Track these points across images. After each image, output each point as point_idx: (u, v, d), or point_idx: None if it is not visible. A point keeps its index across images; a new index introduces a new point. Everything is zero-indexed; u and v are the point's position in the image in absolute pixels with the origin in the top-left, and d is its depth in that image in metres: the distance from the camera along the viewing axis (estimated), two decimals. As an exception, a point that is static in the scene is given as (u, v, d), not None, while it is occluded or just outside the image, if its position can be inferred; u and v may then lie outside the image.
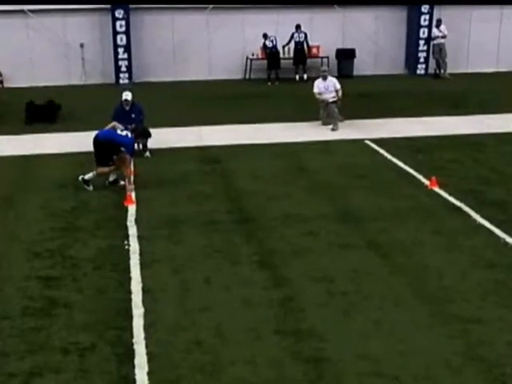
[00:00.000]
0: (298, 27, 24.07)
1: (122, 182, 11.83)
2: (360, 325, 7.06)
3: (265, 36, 23.91)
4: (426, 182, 11.89)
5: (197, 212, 10.59)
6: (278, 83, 23.76)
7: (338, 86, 16.84)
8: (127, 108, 14.15)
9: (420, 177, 12.28)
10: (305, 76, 24.21)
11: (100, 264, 8.64)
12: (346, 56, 25.25)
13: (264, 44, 24.03)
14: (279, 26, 24.23)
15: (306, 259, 8.75)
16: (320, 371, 6.20)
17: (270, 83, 23.87)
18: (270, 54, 24.04)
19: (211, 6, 24.05)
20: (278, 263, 8.63)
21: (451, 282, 8.06)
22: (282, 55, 24.36)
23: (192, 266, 8.59)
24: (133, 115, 14.02)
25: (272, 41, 23.93)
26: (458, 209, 10.64)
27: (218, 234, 9.63)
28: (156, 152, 14.16)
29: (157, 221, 10.20)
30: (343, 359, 6.40)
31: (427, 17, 25.57)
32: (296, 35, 24.14)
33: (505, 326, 6.99)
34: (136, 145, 14.37)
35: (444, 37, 25.25)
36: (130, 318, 7.22)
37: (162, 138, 14.86)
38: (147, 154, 14.03)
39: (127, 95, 14.35)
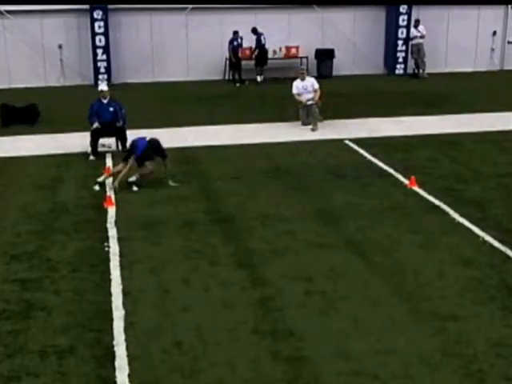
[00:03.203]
0: (255, 30, 24.03)
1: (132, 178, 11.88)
2: (339, 324, 7.08)
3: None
4: (405, 181, 11.95)
5: (175, 213, 10.57)
6: (239, 84, 23.84)
7: (317, 86, 16.89)
8: (105, 101, 14.14)
9: (399, 176, 12.34)
10: (259, 78, 24.30)
11: (79, 266, 8.59)
12: (325, 56, 25.34)
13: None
14: (259, 27, 24.18)
15: (285, 259, 8.76)
16: (299, 371, 6.21)
17: (238, 84, 23.89)
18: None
19: (190, 6, 24.04)
20: (257, 263, 8.64)
21: (429, 279, 8.10)
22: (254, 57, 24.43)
23: (171, 267, 8.57)
24: (111, 108, 14.02)
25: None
26: (437, 207, 10.70)
27: (197, 235, 9.62)
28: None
29: (136, 222, 10.17)
30: (322, 358, 6.41)
31: (405, 17, 25.73)
32: (262, 38, 24.11)
33: (482, 323, 7.04)
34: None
35: (422, 37, 25.43)
36: (110, 320, 7.19)
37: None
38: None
39: (103, 86, 14.42)
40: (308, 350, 6.56)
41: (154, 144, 12.09)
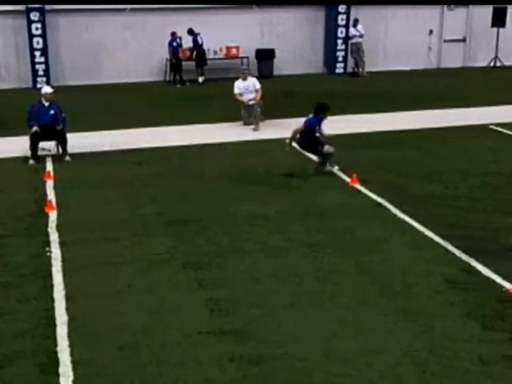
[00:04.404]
0: (191, 31, 23.98)
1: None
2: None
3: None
4: (347, 179, 12.07)
5: (118, 216, 10.48)
6: (180, 85, 23.80)
7: (258, 86, 16.94)
8: (46, 104, 13.93)
9: (340, 174, 12.45)
10: (200, 79, 24.29)
11: (21, 272, 8.44)
12: (265, 56, 25.42)
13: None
14: (199, 27, 24.12)
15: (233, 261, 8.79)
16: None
17: (179, 85, 23.82)
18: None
19: (129, 7, 23.83)
20: (206, 265, 8.61)
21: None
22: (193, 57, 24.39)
23: (114, 270, 8.50)
24: (51, 111, 13.81)
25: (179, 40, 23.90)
26: (379, 204, 10.84)
27: (143, 237, 9.55)
28: (77, 156, 13.95)
29: (78, 226, 10.04)
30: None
31: (344, 16, 25.98)
32: (198, 38, 24.09)
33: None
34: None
35: (361, 36, 25.74)
36: (54, 326, 7.09)
37: (82, 141, 14.68)
38: (67, 157, 13.81)
39: (47, 88, 14.25)
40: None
41: None
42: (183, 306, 7.51)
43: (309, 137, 12.58)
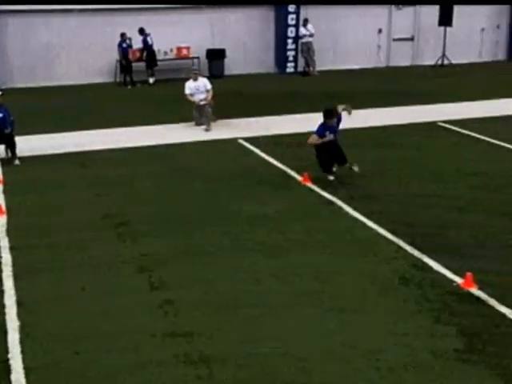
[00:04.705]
0: (142, 30, 23.82)
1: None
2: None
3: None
4: (299, 177, 12.12)
5: (68, 219, 10.36)
6: (131, 87, 23.63)
7: (209, 87, 16.91)
8: None
9: (293, 173, 12.50)
10: (151, 80, 24.19)
11: (-31, 279, 8.31)
12: (216, 56, 25.37)
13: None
14: (150, 28, 23.96)
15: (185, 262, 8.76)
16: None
17: (130, 86, 23.67)
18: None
19: (78, 7, 23.55)
20: (155, 268, 8.58)
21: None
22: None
23: (67, 274, 8.40)
24: (0, 114, 13.56)
25: (126, 40, 23.68)
26: (331, 203, 10.90)
27: (92, 241, 9.45)
28: (26, 159, 13.75)
29: (28, 230, 9.90)
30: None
31: (294, 16, 26.06)
32: (148, 39, 23.98)
33: (382, 315, 7.24)
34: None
35: (311, 35, 25.87)
36: (4, 332, 6.97)
37: (32, 144, 14.47)
38: (16, 161, 13.60)
39: None
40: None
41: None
42: (135, 309, 7.46)
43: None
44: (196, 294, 7.82)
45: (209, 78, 18.38)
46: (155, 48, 24.15)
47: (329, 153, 11.96)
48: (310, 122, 16.85)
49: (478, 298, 7.56)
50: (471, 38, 28.99)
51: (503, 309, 7.28)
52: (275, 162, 13.26)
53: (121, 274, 8.38)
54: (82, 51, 24.16)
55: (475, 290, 7.71)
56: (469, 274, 7.84)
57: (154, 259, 8.79)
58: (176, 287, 8.00)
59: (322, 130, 11.96)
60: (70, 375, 6.22)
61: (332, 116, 11.93)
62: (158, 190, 11.78)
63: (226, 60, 25.53)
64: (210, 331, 6.93)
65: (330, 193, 11.30)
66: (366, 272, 8.32)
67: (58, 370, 6.31)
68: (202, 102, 16.73)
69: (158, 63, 24.37)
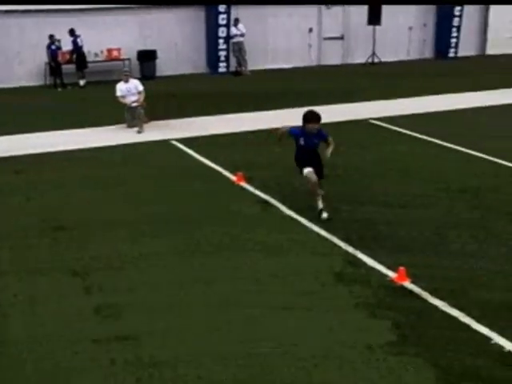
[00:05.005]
0: (72, 31, 23.53)
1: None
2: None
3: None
4: (233, 177, 12.12)
5: (7, 227, 10.13)
6: (61, 89, 23.36)
7: (141, 88, 16.78)
8: None
9: (226, 173, 12.49)
10: (81, 82, 23.95)
11: None
12: (147, 57, 25.25)
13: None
14: (79, 30, 23.62)
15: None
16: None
17: (60, 89, 23.32)
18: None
19: (3, 9, 23.06)
20: (91, 272, 8.45)
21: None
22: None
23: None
24: None
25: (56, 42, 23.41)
26: (265, 202, 10.92)
27: (29, 249, 9.25)
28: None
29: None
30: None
31: (225, 16, 26.09)
32: (78, 40, 23.69)
33: (313, 314, 7.27)
34: None
35: (242, 35, 25.96)
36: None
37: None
38: None
39: None
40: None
41: None
42: (69, 314, 7.34)
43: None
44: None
45: (140, 79, 18.26)
46: (85, 50, 23.86)
47: (307, 163, 10.18)
48: (240, 121, 17.05)
49: (411, 292, 7.67)
50: (399, 36, 29.58)
51: (436, 301, 7.40)
52: (208, 162, 13.21)
53: (53, 279, 8.21)
54: (9, 53, 23.74)
55: (408, 284, 7.82)
56: (401, 268, 7.95)
57: (101, 264, 8.66)
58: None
59: (296, 131, 10.16)
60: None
61: (311, 121, 9.84)
62: (93, 195, 11.60)
63: (157, 61, 25.43)
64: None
65: (262, 191, 11.32)
66: (300, 269, 8.34)
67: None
68: (134, 104, 16.58)
69: (89, 65, 24.09)
